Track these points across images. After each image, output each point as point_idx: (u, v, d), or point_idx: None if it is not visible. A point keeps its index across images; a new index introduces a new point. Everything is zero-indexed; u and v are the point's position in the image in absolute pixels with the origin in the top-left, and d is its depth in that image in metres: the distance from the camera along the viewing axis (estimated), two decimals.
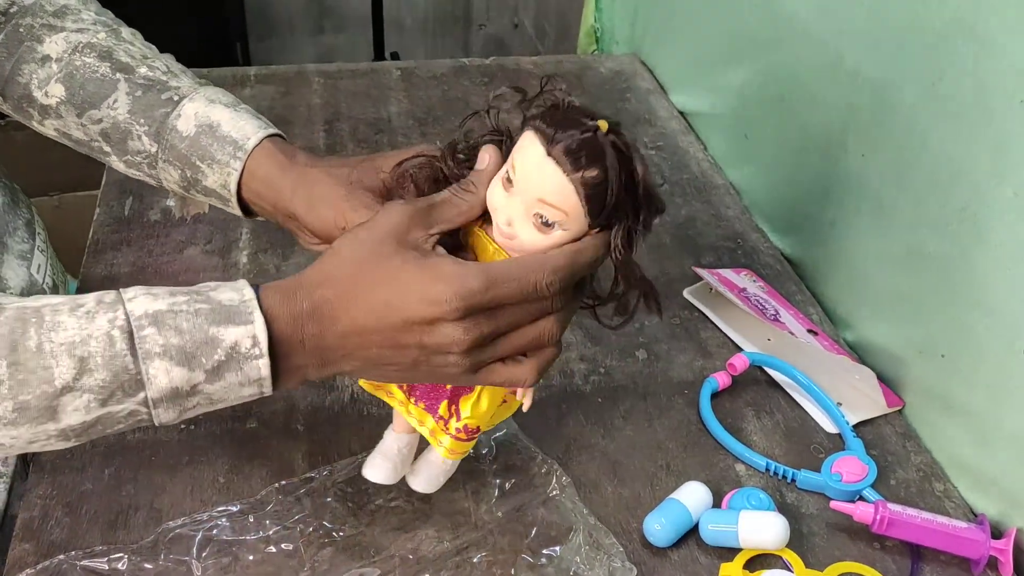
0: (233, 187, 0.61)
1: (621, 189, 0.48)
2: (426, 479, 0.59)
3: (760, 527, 0.61)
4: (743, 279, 0.86)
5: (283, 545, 0.60)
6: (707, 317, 0.83)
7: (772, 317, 0.81)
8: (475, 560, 0.60)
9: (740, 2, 0.97)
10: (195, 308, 0.48)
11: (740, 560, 0.61)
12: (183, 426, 0.68)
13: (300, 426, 0.69)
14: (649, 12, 1.25)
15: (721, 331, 0.81)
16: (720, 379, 0.74)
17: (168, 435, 0.67)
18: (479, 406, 0.54)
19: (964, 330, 0.68)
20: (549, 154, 0.47)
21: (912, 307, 0.74)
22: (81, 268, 0.84)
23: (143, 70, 0.63)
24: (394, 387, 0.56)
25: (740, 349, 0.79)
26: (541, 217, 0.48)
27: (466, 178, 0.52)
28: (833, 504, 0.64)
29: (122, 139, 0.63)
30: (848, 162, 0.81)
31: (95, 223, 0.89)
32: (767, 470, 0.68)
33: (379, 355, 0.49)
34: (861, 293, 0.81)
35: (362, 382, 0.56)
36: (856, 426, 0.72)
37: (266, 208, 0.62)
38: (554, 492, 0.64)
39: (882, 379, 0.75)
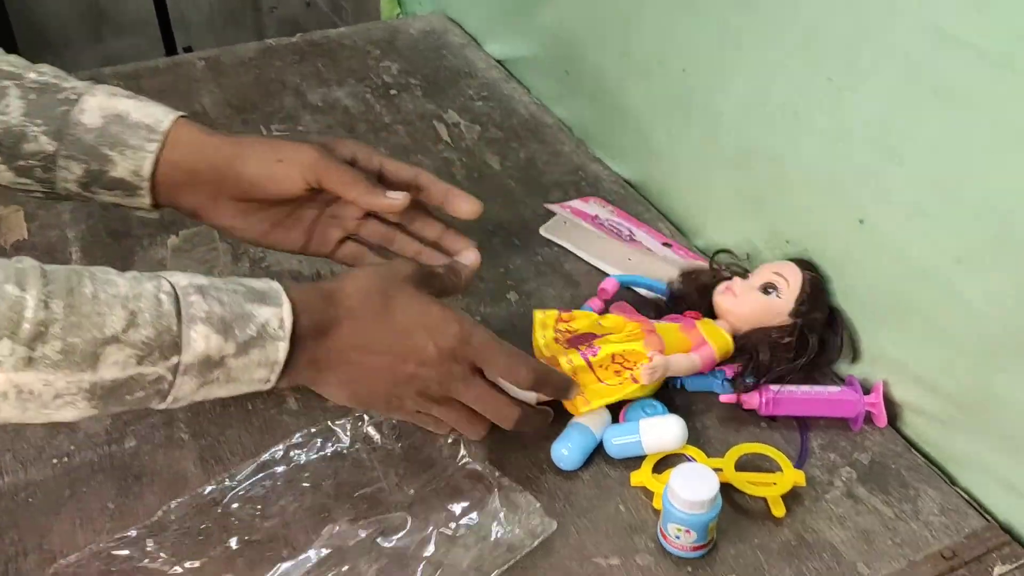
0: (147, 171, 0.63)
1: (823, 297, 0.70)
2: None
3: (660, 431, 0.63)
4: (593, 206, 0.89)
5: (188, 564, 0.56)
6: (567, 250, 0.85)
7: (628, 237, 0.84)
8: (394, 541, 0.58)
9: None
10: (231, 288, 0.53)
11: (647, 466, 0.64)
12: (55, 460, 0.63)
13: (184, 434, 0.66)
14: None
15: (583, 260, 0.83)
16: (594, 305, 0.76)
17: (41, 472, 0.63)
18: None
19: (803, 213, 0.73)
20: None
21: (752, 202, 0.78)
22: None
23: (32, 75, 0.63)
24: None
25: (605, 274, 0.81)
26: (768, 286, 0.69)
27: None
28: (722, 397, 0.67)
29: (15, 143, 0.62)
30: (670, 79, 0.84)
31: None
32: None
33: (368, 371, 0.57)
34: (704, 200, 0.85)
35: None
36: None
37: (187, 181, 0.64)
38: (464, 460, 0.63)
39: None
